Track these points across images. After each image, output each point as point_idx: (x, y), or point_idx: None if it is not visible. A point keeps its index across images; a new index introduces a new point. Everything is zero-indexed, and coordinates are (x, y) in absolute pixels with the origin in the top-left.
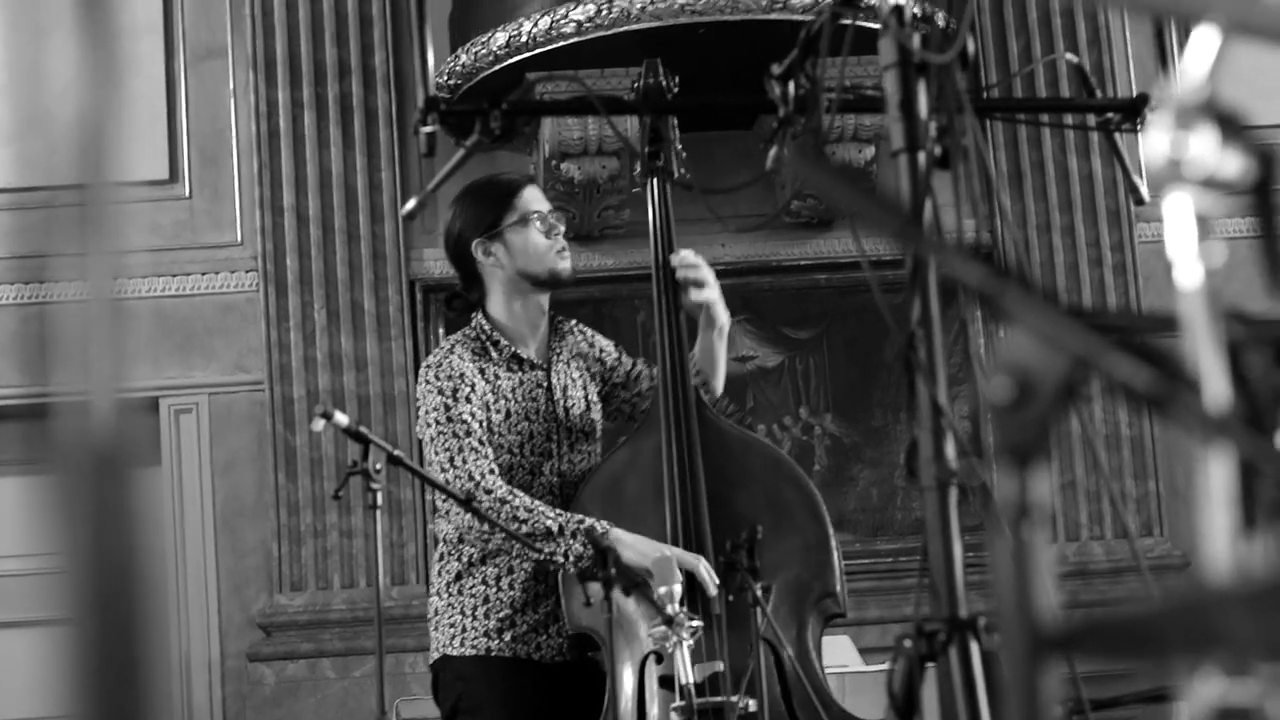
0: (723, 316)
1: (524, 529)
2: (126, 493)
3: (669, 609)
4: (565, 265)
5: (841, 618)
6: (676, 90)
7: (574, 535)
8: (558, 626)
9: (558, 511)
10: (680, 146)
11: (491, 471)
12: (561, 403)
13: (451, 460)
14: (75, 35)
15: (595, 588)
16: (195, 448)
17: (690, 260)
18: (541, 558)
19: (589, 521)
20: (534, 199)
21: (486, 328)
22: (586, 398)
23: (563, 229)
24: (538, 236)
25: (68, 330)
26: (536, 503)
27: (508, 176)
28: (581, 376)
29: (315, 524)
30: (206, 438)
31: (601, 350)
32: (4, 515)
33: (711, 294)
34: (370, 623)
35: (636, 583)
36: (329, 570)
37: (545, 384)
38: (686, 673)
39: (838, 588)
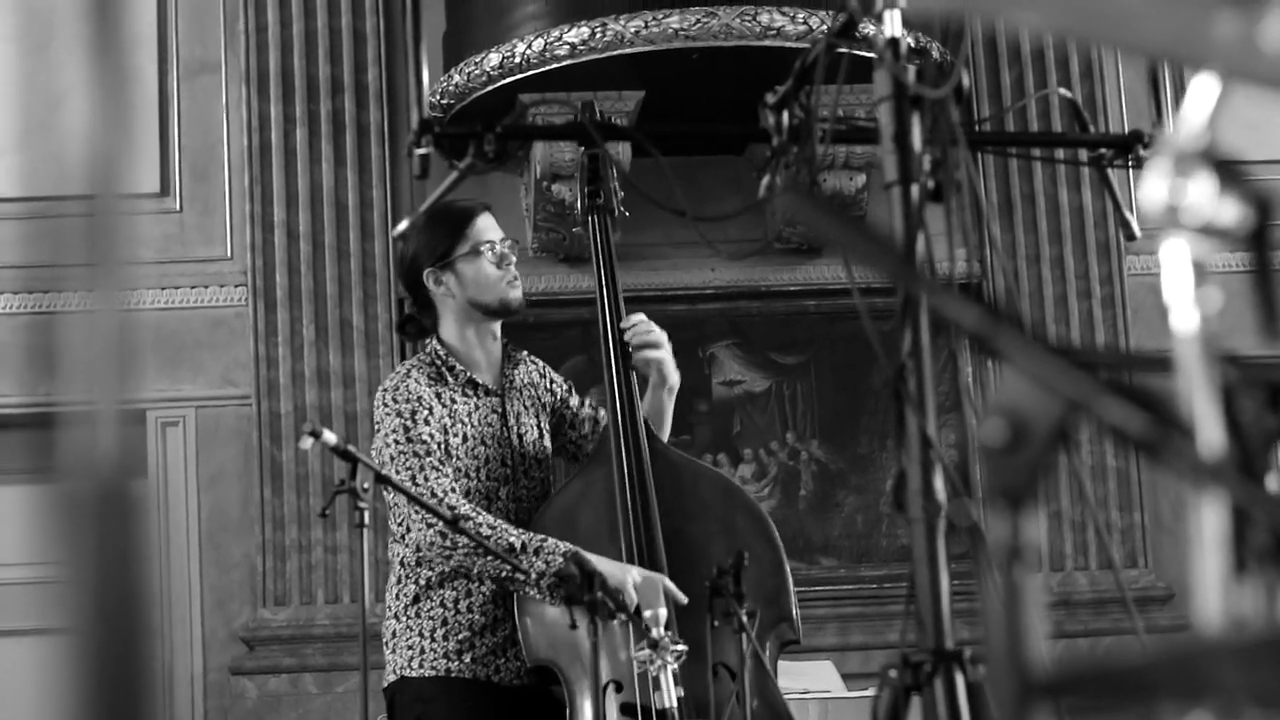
0: (673, 376)
1: (489, 545)
2: (129, 504)
3: (654, 632)
4: (516, 294)
5: (796, 643)
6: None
7: (536, 553)
8: (516, 650)
9: (520, 530)
10: (617, 184)
11: (452, 489)
12: (516, 429)
13: (414, 479)
14: (83, 49)
15: (558, 613)
16: (181, 461)
17: (642, 324)
18: (505, 574)
19: (550, 540)
20: (486, 228)
21: (441, 353)
22: (539, 425)
23: (514, 259)
24: (489, 267)
25: (74, 341)
26: (499, 521)
27: (461, 204)
28: (534, 405)
29: (300, 539)
30: (193, 451)
31: (553, 382)
32: (6, 524)
33: (663, 354)
34: (353, 639)
35: (621, 605)
36: (313, 585)
37: (500, 410)
38: (670, 697)
39: (793, 613)
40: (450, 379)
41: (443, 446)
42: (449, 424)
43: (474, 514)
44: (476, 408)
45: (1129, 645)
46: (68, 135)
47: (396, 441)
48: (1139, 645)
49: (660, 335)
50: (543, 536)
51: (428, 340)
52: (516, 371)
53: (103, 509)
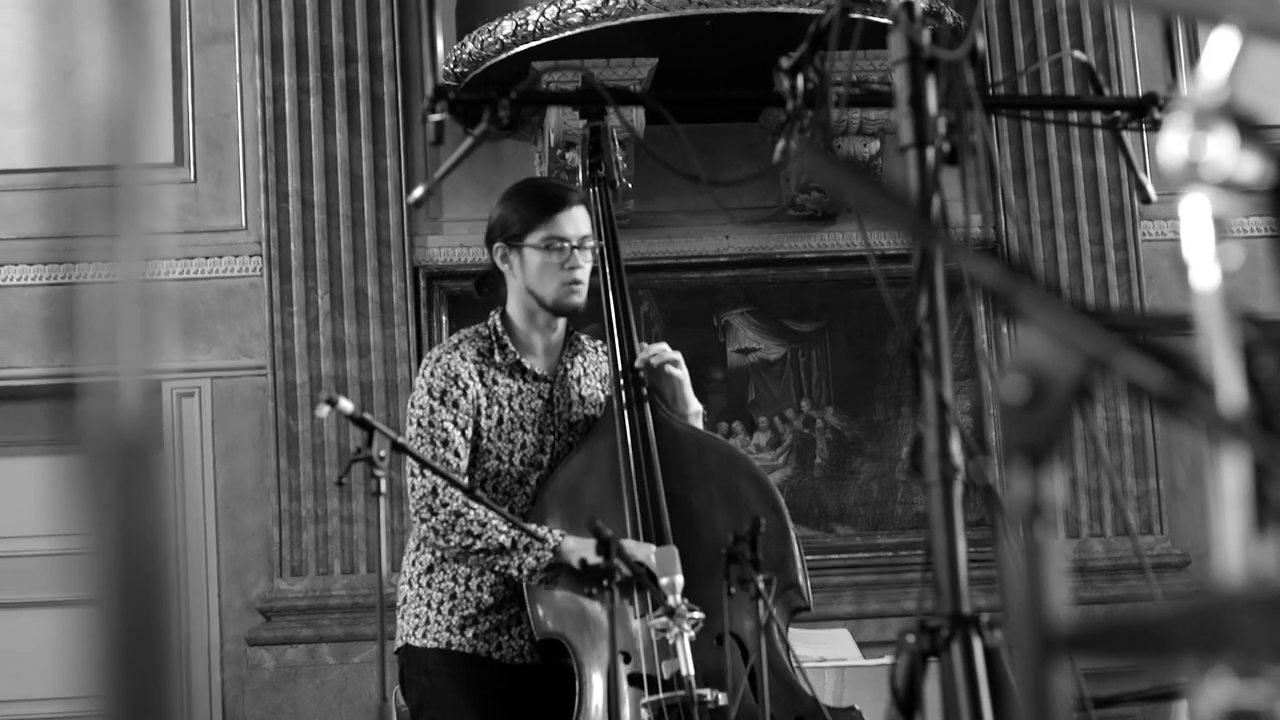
0: (693, 404)
1: (477, 544)
2: (151, 474)
3: (670, 600)
4: (574, 300)
5: (806, 610)
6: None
7: (526, 549)
8: (520, 629)
9: (510, 524)
10: (619, 156)
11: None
12: (565, 417)
13: (424, 465)
14: (101, 16)
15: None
16: (197, 432)
17: (666, 353)
18: (498, 569)
19: (538, 538)
20: (566, 224)
21: (499, 329)
22: (596, 415)
23: (584, 265)
24: (552, 266)
25: (96, 312)
26: (491, 515)
27: (555, 189)
28: (593, 394)
29: (316, 509)
30: (209, 422)
31: (603, 379)
32: (30, 495)
33: (681, 382)
34: (370, 609)
35: (638, 574)
36: (329, 556)
37: (547, 396)
38: (686, 664)
39: (800, 579)
40: (498, 357)
41: (467, 430)
42: (484, 404)
43: (466, 509)
44: (519, 391)
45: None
46: (86, 104)
47: (419, 421)
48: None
49: (677, 369)
50: (533, 531)
51: (493, 310)
52: (578, 360)
53: (125, 479)
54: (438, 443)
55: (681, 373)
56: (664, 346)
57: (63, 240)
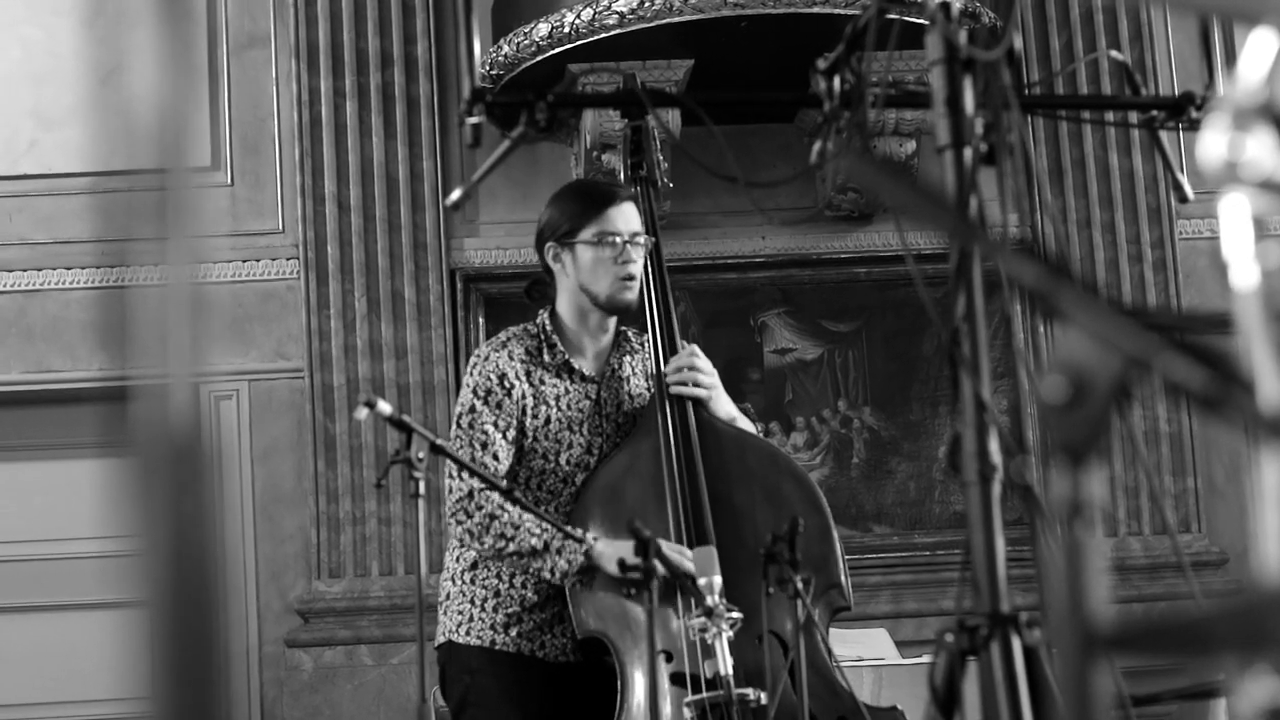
0: (724, 411)
1: (510, 547)
2: (201, 476)
3: (709, 600)
4: (628, 296)
5: (847, 609)
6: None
7: (559, 552)
8: (563, 627)
9: (544, 527)
10: (660, 156)
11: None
12: (613, 417)
13: (461, 467)
14: (156, 25)
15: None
16: (235, 434)
17: (686, 370)
18: (529, 573)
19: (577, 534)
20: (617, 219)
21: (548, 328)
22: (637, 417)
23: (637, 259)
24: (605, 261)
25: (147, 314)
26: (526, 518)
27: (604, 187)
28: (641, 394)
29: (354, 511)
30: (246, 424)
31: (649, 379)
32: (80, 498)
33: (711, 393)
34: (408, 610)
35: (676, 574)
36: (367, 558)
37: (594, 397)
38: (725, 664)
39: (842, 579)
40: (547, 356)
41: (509, 431)
42: (530, 404)
43: (500, 512)
44: (567, 391)
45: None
46: (134, 108)
47: (460, 420)
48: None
49: (706, 377)
50: (568, 532)
51: (542, 310)
52: (626, 360)
53: (175, 481)
54: (476, 445)
55: (706, 390)
56: (694, 358)
57: (112, 244)
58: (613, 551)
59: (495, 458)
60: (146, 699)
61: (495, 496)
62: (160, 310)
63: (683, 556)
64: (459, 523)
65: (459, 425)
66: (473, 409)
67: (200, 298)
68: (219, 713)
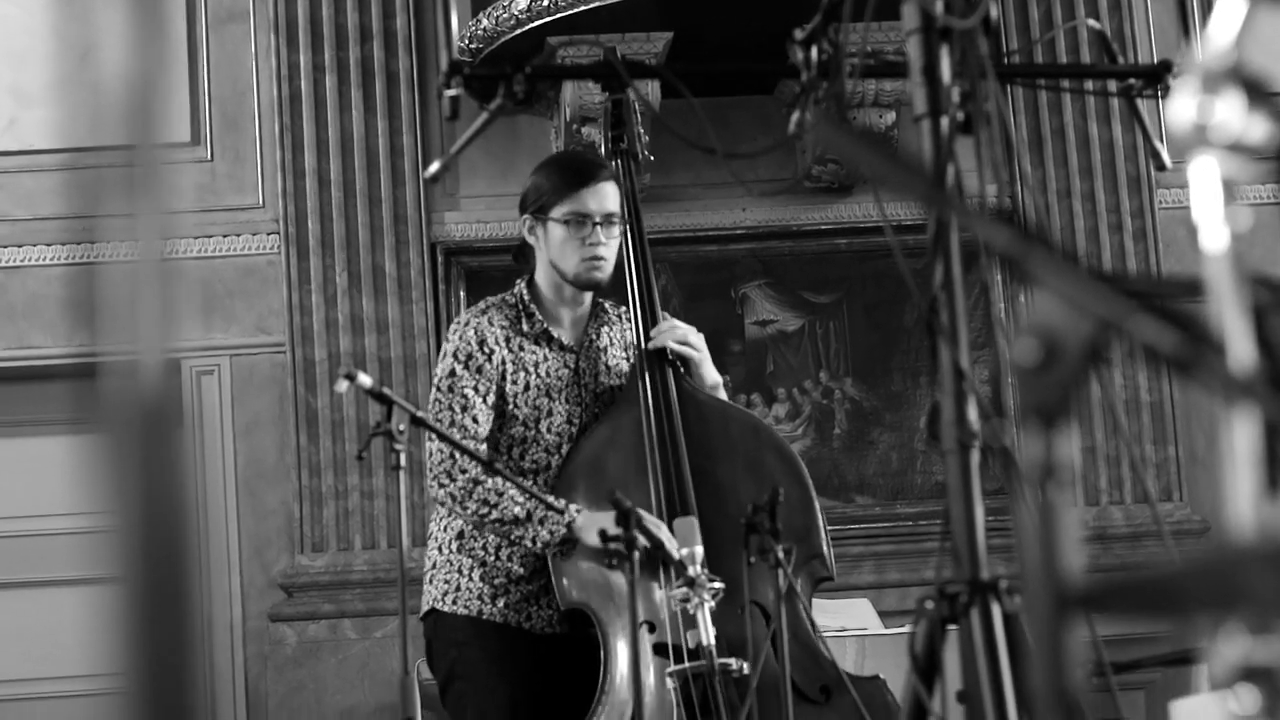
0: (710, 378)
1: (493, 513)
2: (173, 451)
3: (690, 570)
4: (596, 276)
5: (829, 580)
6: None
7: (541, 522)
8: (549, 599)
9: (527, 496)
10: (641, 129)
11: (480, 447)
12: (590, 387)
13: (442, 439)
14: (127, 1)
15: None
16: (217, 410)
17: (677, 332)
18: (512, 541)
19: (554, 510)
20: (590, 200)
21: (526, 297)
22: (621, 385)
23: (607, 241)
24: (574, 240)
25: (116, 290)
26: (508, 486)
27: (587, 164)
28: (618, 364)
29: (336, 485)
30: (228, 400)
31: (626, 348)
32: (52, 474)
33: (701, 355)
34: (391, 583)
35: (656, 545)
36: (350, 531)
37: (573, 366)
38: (708, 634)
39: (824, 550)
40: (526, 325)
41: (489, 396)
42: (510, 370)
43: (483, 478)
44: (546, 358)
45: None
46: (105, 84)
47: (439, 384)
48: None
49: (695, 341)
50: (549, 503)
51: (520, 280)
52: (604, 330)
53: (146, 456)
54: (457, 408)
55: (696, 351)
56: (675, 325)
57: (82, 220)
58: (593, 523)
59: (475, 420)
60: (120, 674)
61: (473, 464)
62: (130, 286)
63: (661, 529)
64: (441, 485)
65: (438, 389)
66: (452, 373)
67: (171, 272)
68: (192, 687)
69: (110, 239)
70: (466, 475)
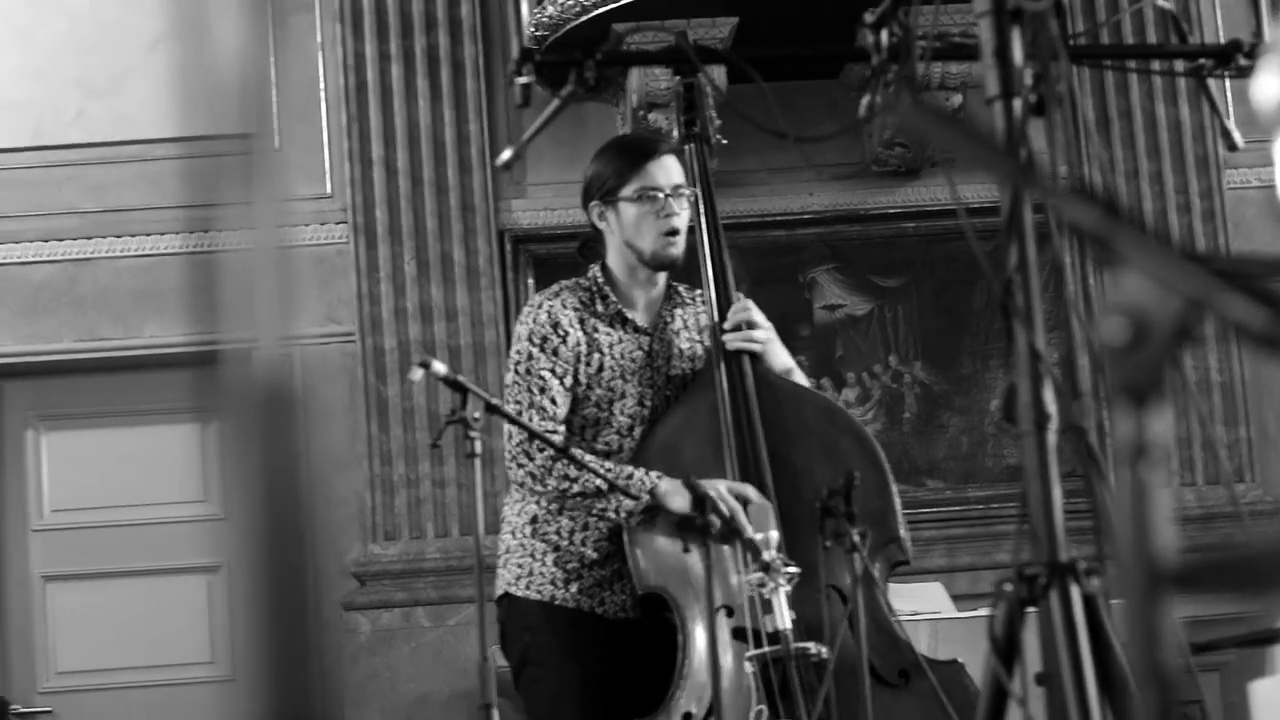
0: (779, 363)
1: (575, 488)
2: (293, 436)
3: (765, 555)
4: (672, 251)
5: (906, 564)
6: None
7: (624, 491)
8: (622, 584)
9: (607, 467)
10: (714, 113)
11: (552, 431)
12: (664, 370)
13: (519, 412)
14: None
15: (668, 540)
16: None
17: (750, 320)
18: (595, 511)
19: (637, 476)
20: (658, 173)
21: (600, 280)
22: (694, 368)
23: (680, 212)
24: (647, 216)
25: (235, 278)
26: (588, 458)
27: (644, 141)
28: (691, 347)
29: (408, 474)
30: (299, 389)
31: (701, 332)
32: (174, 462)
33: (767, 345)
34: (464, 571)
35: (733, 529)
36: (422, 520)
37: (647, 349)
38: (784, 618)
39: (901, 533)
40: (600, 306)
41: (565, 378)
42: (584, 351)
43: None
44: (620, 340)
45: (1253, 536)
46: (227, 76)
47: (516, 368)
48: (1263, 538)
49: (760, 332)
50: (630, 473)
51: (593, 265)
52: (677, 313)
53: (268, 442)
54: (534, 390)
55: (761, 344)
56: (748, 312)
57: (202, 208)
58: (677, 489)
59: (554, 401)
60: (245, 658)
61: (556, 440)
62: (248, 274)
63: (738, 513)
64: (520, 465)
65: (515, 372)
66: (529, 355)
67: (287, 260)
68: (316, 669)
69: (229, 227)
70: (545, 453)
